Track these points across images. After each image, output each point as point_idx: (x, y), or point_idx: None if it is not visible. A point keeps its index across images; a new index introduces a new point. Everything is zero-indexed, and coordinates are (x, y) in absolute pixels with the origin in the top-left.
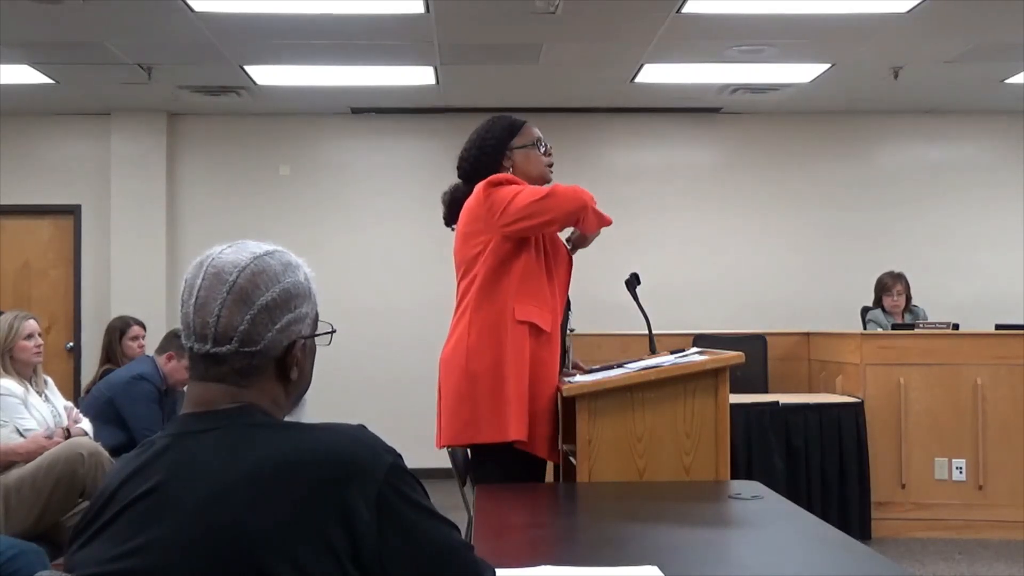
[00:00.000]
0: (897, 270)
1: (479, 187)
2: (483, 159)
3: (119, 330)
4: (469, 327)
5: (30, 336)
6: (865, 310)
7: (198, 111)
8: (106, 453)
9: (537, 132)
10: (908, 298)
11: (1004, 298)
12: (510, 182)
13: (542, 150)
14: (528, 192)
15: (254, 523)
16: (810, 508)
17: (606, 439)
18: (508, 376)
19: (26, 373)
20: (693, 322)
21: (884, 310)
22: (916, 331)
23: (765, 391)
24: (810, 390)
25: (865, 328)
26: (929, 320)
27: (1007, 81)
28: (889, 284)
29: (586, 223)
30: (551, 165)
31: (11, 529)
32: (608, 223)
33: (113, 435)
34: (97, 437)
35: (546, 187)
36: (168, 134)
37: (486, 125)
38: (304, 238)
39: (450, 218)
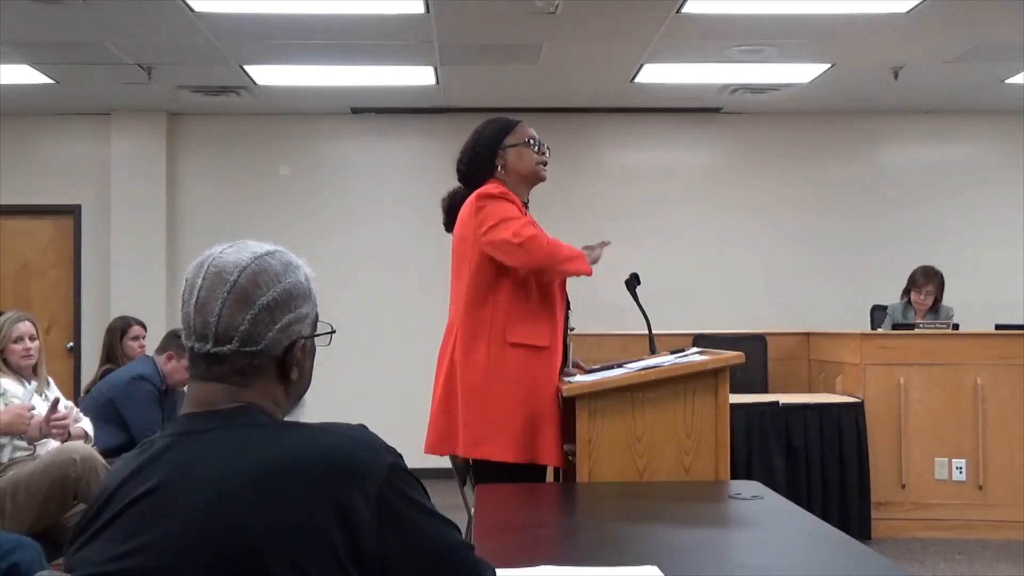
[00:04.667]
0: (936, 267)
1: (472, 197)
2: (477, 159)
3: (119, 330)
4: (457, 340)
5: (19, 340)
6: (875, 308)
7: (198, 111)
8: (100, 457)
9: (531, 131)
10: (937, 299)
11: (1004, 298)
12: (503, 197)
13: (535, 148)
14: (510, 228)
15: (254, 523)
16: (810, 508)
17: (606, 439)
18: (497, 395)
19: (26, 373)
20: (693, 322)
21: (909, 302)
22: (916, 331)
23: (765, 391)
24: (810, 390)
25: (884, 318)
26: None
27: (1007, 81)
28: (921, 282)
29: (550, 279)
30: (544, 164)
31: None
32: (584, 273)
33: (113, 435)
34: (97, 437)
35: (528, 232)
36: (168, 134)
37: (481, 126)
38: (304, 238)
39: (449, 224)
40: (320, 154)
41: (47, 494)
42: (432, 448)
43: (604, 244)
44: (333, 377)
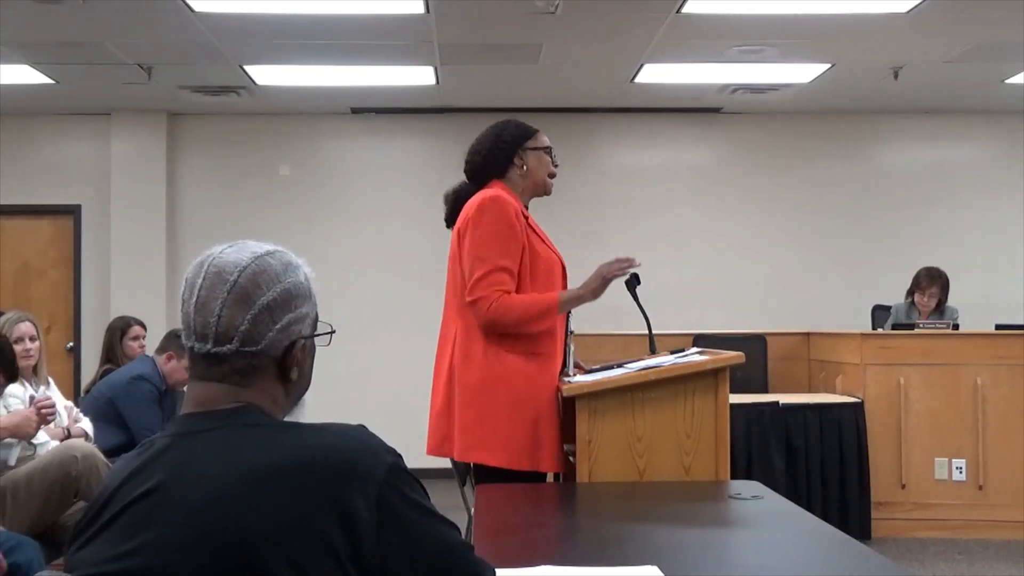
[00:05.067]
0: (940, 268)
1: (477, 198)
2: (497, 154)
3: (119, 330)
4: (455, 343)
5: (19, 340)
6: (877, 308)
7: (198, 111)
8: (101, 455)
9: (548, 141)
10: (941, 301)
11: (1004, 298)
12: (503, 209)
13: (550, 158)
14: (473, 275)
15: (254, 524)
16: (810, 508)
17: (606, 439)
18: (494, 400)
19: (25, 373)
20: (693, 322)
21: (913, 303)
22: (916, 331)
23: (765, 391)
24: (810, 390)
25: (888, 317)
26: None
27: (1007, 81)
28: (924, 285)
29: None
30: (553, 176)
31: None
32: (540, 330)
33: (113, 435)
34: (97, 437)
35: (478, 293)
36: (168, 134)
37: (500, 124)
38: (304, 238)
39: (451, 219)
40: (320, 154)
41: (48, 492)
42: (434, 451)
43: (614, 271)
44: (333, 377)
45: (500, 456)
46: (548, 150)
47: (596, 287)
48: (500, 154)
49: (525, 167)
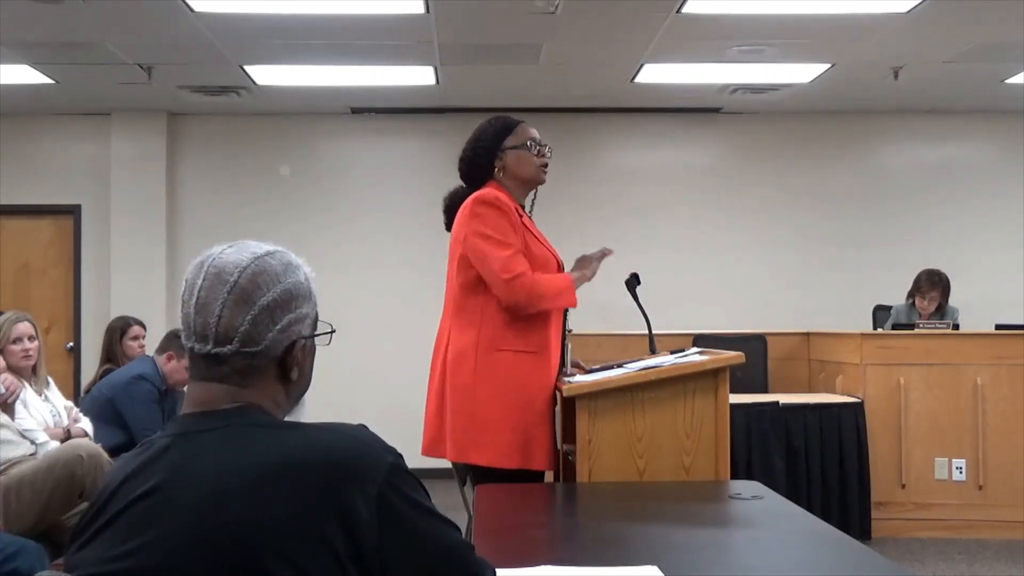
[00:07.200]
0: (940, 270)
1: (469, 201)
2: (478, 159)
3: (119, 330)
4: (448, 343)
5: (18, 340)
6: (878, 308)
7: (198, 111)
8: (105, 455)
9: (532, 132)
10: (941, 305)
11: (1004, 298)
12: (497, 206)
13: (535, 151)
14: (499, 258)
15: (254, 523)
16: (810, 508)
17: (606, 439)
18: (485, 400)
19: (24, 373)
20: (693, 322)
21: (913, 305)
22: (916, 331)
23: (765, 391)
24: (810, 390)
25: (889, 317)
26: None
27: (1007, 81)
28: (924, 288)
29: (527, 314)
30: (545, 167)
31: (10, 530)
32: (568, 306)
33: (113, 435)
34: (97, 437)
35: (517, 269)
36: (168, 134)
37: (483, 125)
38: (304, 238)
39: (449, 223)
40: (320, 154)
41: (52, 491)
42: (426, 450)
43: (604, 254)
44: (333, 377)
45: (491, 455)
46: (529, 144)
47: (590, 275)
48: (481, 159)
49: (504, 170)
